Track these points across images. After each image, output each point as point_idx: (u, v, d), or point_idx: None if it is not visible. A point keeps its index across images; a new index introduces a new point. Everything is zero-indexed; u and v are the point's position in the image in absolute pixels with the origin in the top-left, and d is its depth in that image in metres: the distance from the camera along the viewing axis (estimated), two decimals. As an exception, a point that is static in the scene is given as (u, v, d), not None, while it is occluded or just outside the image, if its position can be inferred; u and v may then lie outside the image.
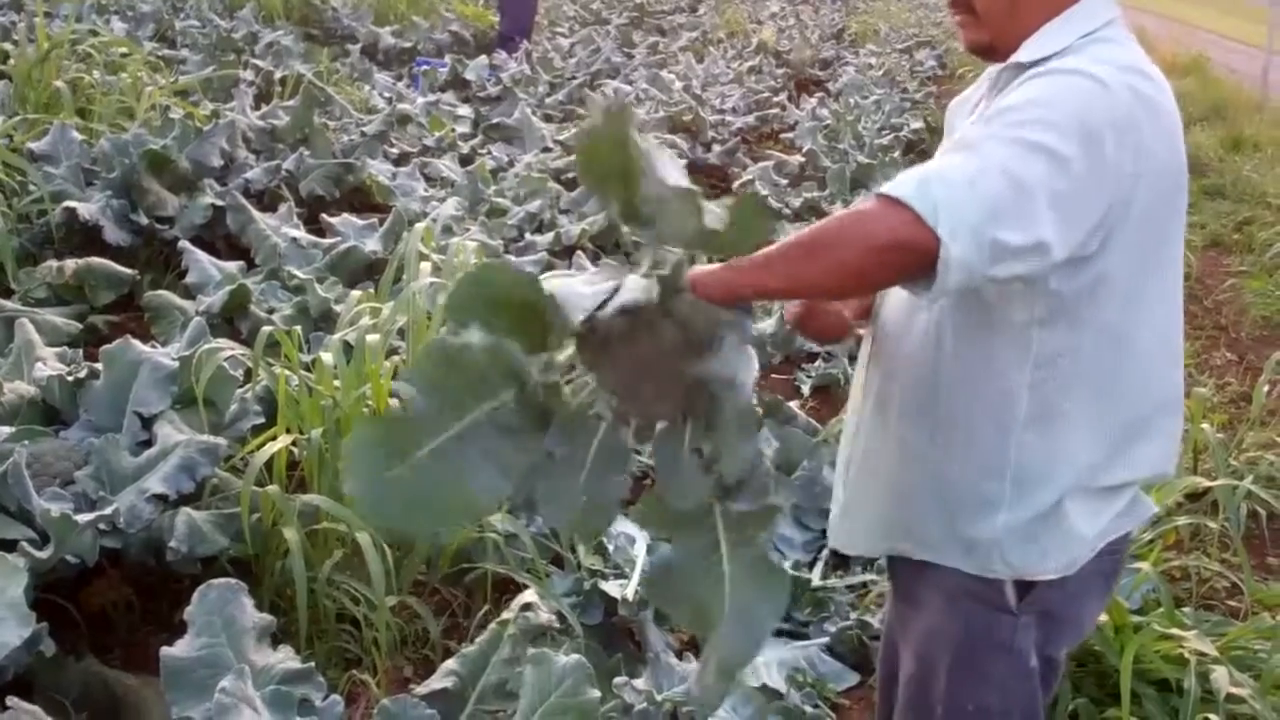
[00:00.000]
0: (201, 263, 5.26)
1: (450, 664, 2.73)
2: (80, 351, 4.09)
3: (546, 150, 8.77)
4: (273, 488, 3.46)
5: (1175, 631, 3.31)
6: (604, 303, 1.54)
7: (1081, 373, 2.00)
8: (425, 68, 11.20)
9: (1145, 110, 1.92)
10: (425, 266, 4.39)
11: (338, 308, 4.71)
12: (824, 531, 4.19)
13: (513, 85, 10.71)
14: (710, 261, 1.68)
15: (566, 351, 1.60)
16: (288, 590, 3.40)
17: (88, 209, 5.47)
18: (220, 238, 5.91)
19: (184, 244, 5.38)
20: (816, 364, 5.93)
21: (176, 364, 3.64)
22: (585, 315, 1.51)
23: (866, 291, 2.06)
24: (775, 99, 12.38)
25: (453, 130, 9.02)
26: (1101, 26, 2.01)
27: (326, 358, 3.78)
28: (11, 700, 2.30)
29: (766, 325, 5.95)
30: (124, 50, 8.40)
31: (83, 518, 3.04)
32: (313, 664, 2.63)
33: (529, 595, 2.85)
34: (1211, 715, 3.07)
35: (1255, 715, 3.11)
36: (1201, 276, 8.12)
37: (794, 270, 1.72)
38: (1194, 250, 8.28)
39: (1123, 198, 1.88)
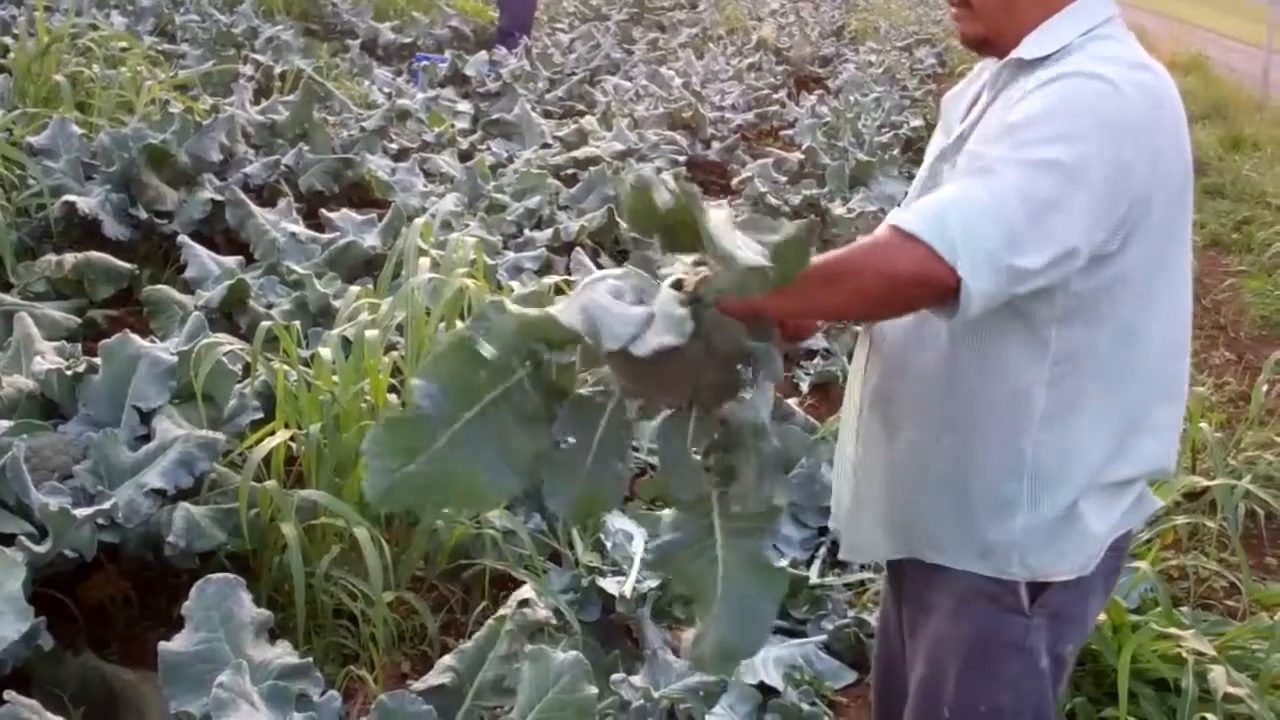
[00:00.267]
0: (200, 257, 5.26)
1: (448, 660, 2.73)
2: (79, 346, 4.09)
3: (546, 146, 8.76)
4: (271, 483, 3.46)
5: (1173, 631, 3.31)
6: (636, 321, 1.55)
7: (1096, 369, 2.00)
8: (425, 63, 11.19)
9: (1157, 108, 1.93)
10: (424, 262, 4.39)
11: (336, 303, 4.71)
12: (821, 529, 4.21)
13: (512, 81, 10.70)
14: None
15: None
16: (286, 585, 3.40)
17: (87, 203, 5.47)
18: (219, 233, 5.90)
19: (183, 239, 5.38)
20: (815, 361, 5.93)
21: (175, 359, 3.64)
22: (619, 345, 1.51)
23: (885, 319, 2.06)
24: (775, 96, 12.38)
25: (452, 126, 9.01)
26: (1101, 23, 2.01)
27: (325, 353, 3.78)
28: (9, 694, 2.30)
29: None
30: (124, 45, 8.40)
31: (81, 512, 3.04)
32: (310, 659, 2.63)
33: (526, 591, 2.84)
34: (1209, 715, 3.07)
35: (1253, 715, 3.11)
36: (1201, 276, 8.11)
37: (815, 296, 1.78)
38: (1193, 249, 8.25)
39: (1142, 196, 1.88)
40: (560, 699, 2.50)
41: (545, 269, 5.99)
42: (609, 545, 3.86)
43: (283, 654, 2.59)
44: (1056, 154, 1.81)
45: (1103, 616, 3.28)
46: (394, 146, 8.16)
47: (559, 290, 4.71)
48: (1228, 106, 13.82)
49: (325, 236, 5.79)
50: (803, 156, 9.55)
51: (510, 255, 6.09)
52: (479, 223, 6.46)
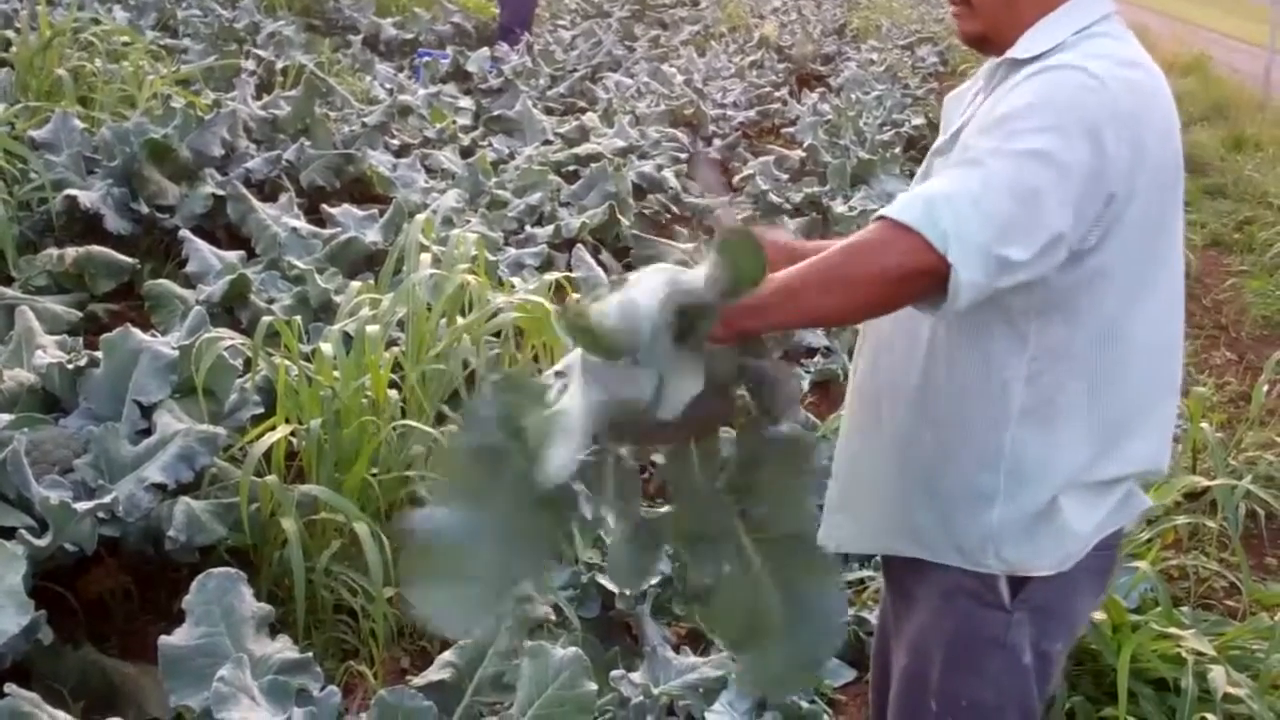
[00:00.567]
0: (202, 252, 5.25)
1: (447, 655, 2.73)
2: (80, 339, 4.09)
3: (547, 143, 8.75)
4: (271, 478, 3.46)
5: (1173, 631, 3.31)
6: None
7: (1077, 366, 2.00)
8: (427, 59, 11.18)
9: (1142, 103, 1.93)
10: (425, 258, 4.39)
11: (338, 298, 4.70)
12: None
13: (514, 77, 10.69)
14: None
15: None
16: (286, 580, 3.41)
17: (89, 197, 5.46)
18: (221, 227, 5.90)
19: (184, 233, 5.37)
20: (815, 359, 5.93)
21: (176, 353, 3.63)
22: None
23: (880, 316, 2.06)
24: (776, 94, 12.37)
25: (454, 122, 9.00)
26: (1097, 21, 2.01)
27: (326, 348, 3.78)
28: (9, 688, 2.30)
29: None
30: (126, 39, 8.39)
31: (81, 506, 3.04)
32: (311, 654, 2.63)
33: (525, 586, 2.84)
34: (1209, 715, 3.07)
35: (1252, 715, 3.12)
36: (1201, 276, 8.12)
37: (812, 304, 1.81)
38: (1194, 249, 8.29)
39: (1123, 191, 1.88)
40: (560, 695, 2.50)
41: (546, 265, 5.98)
42: (609, 542, 3.85)
43: (283, 649, 2.60)
44: (1042, 144, 1.82)
45: (1102, 616, 3.28)
46: (395, 142, 8.15)
47: (559, 287, 4.72)
48: (1230, 107, 13.84)
49: (326, 232, 5.78)
50: (804, 154, 9.56)
51: (511, 252, 6.09)
52: (480, 219, 6.45)
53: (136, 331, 3.69)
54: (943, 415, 2.08)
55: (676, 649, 3.49)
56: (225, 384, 3.74)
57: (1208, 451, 4.74)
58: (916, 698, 2.23)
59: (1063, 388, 2.01)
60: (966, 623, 2.14)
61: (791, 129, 10.92)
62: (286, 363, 3.73)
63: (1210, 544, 4.43)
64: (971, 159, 1.87)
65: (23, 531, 2.95)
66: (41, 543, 2.94)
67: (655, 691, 3.05)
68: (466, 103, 9.88)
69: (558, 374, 1.68)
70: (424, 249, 4.58)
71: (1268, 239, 8.70)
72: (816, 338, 5.96)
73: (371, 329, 3.84)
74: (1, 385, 3.58)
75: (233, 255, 5.33)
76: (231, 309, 4.89)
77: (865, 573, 4.02)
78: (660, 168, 8.34)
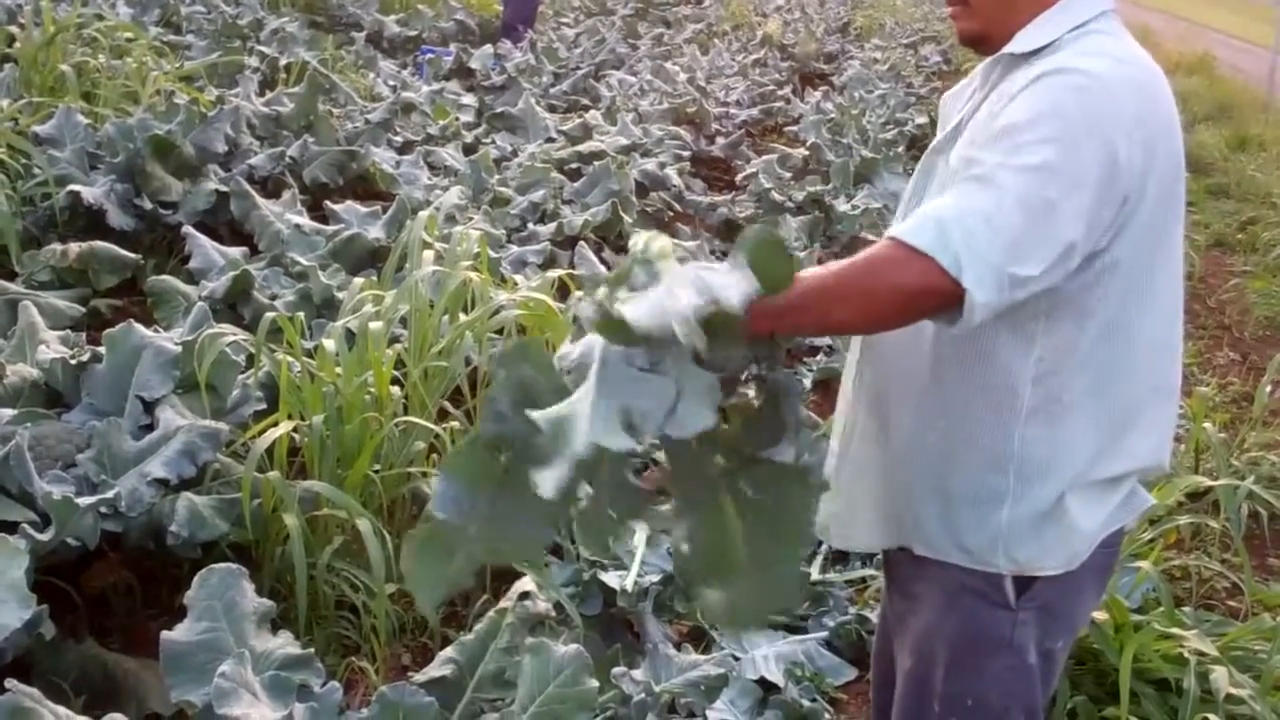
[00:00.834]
0: (205, 248, 5.25)
1: (448, 652, 2.73)
2: (83, 335, 4.10)
3: (550, 140, 8.76)
4: (274, 473, 3.46)
5: (1175, 631, 3.31)
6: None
7: (1083, 364, 2.00)
8: (430, 56, 11.18)
9: (1148, 103, 1.93)
10: (428, 255, 4.39)
11: (340, 295, 4.71)
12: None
13: (517, 75, 10.69)
14: None
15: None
16: (288, 576, 3.41)
17: (92, 193, 5.47)
18: (224, 223, 5.90)
19: (187, 229, 5.38)
20: (818, 358, 5.93)
21: (179, 349, 3.63)
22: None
23: (892, 329, 2.07)
24: (780, 92, 12.37)
25: (457, 119, 9.00)
26: (1094, 18, 2.01)
27: (329, 344, 3.78)
28: (10, 682, 2.30)
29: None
30: (129, 35, 8.39)
31: (84, 501, 3.04)
32: (312, 650, 2.63)
33: (526, 583, 2.84)
34: (1211, 715, 3.07)
35: (1255, 716, 3.11)
36: (1205, 276, 8.12)
37: (826, 313, 1.84)
38: (1198, 250, 8.29)
39: (1135, 193, 1.89)
40: (561, 692, 2.50)
41: (549, 263, 5.99)
42: (610, 540, 3.86)
43: (284, 644, 2.59)
44: (1050, 157, 1.82)
45: (1104, 616, 3.28)
46: (399, 139, 8.15)
47: (561, 284, 4.72)
48: (1233, 107, 13.83)
49: (329, 228, 5.79)
50: (807, 153, 9.55)
51: (514, 249, 6.09)
52: (483, 216, 6.46)
53: (139, 327, 3.69)
54: (950, 417, 2.08)
55: (678, 646, 3.49)
56: (228, 380, 3.74)
57: (1210, 452, 4.73)
58: (921, 699, 2.22)
59: (1069, 385, 2.01)
60: (972, 623, 2.14)
61: (794, 127, 10.92)
62: (289, 359, 3.73)
63: (1213, 544, 4.42)
64: (980, 175, 1.86)
65: (25, 526, 2.95)
66: (44, 537, 2.94)
67: (657, 689, 3.06)
68: (469, 100, 9.89)
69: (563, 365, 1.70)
70: (427, 246, 4.58)
71: (1271, 239, 8.70)
72: (819, 337, 5.96)
73: (374, 325, 3.84)
74: (5, 380, 3.58)
75: (236, 251, 5.33)
76: (234, 305, 4.90)
77: (867, 571, 4.02)
78: (663, 166, 8.34)
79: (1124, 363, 2.01)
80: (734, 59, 13.88)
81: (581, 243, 6.21)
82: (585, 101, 10.63)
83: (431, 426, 3.79)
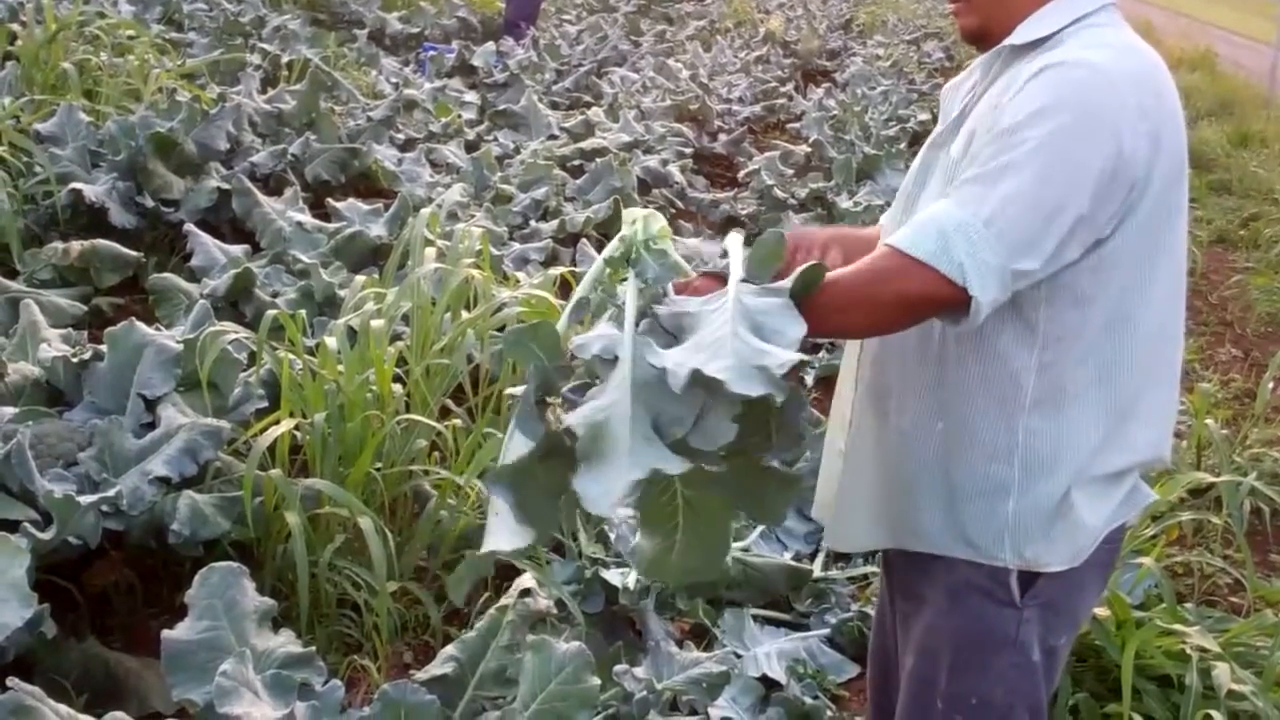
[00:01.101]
0: (206, 246, 5.26)
1: (450, 650, 2.73)
2: (85, 333, 4.10)
3: (552, 137, 8.76)
4: (275, 471, 3.46)
5: (1177, 627, 3.31)
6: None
7: (1086, 353, 2.00)
8: (432, 53, 11.17)
9: (1151, 94, 1.93)
10: (430, 252, 4.39)
11: (342, 292, 4.71)
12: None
13: (519, 72, 10.69)
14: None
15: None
16: (289, 575, 3.41)
17: (94, 191, 5.47)
18: (225, 221, 5.90)
19: (189, 227, 5.38)
20: (820, 355, 5.92)
21: (181, 347, 3.64)
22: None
23: (894, 333, 2.09)
24: (782, 89, 12.36)
25: (459, 116, 9.00)
26: (1094, 11, 2.01)
27: (330, 342, 3.77)
28: (12, 681, 2.30)
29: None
30: (131, 32, 8.39)
31: (85, 499, 3.04)
32: (313, 649, 2.63)
33: (527, 580, 2.84)
34: (1213, 711, 3.06)
35: (1256, 712, 3.11)
36: (1207, 272, 8.11)
37: (829, 320, 1.85)
38: (1200, 246, 8.27)
39: (1141, 181, 1.89)
40: (563, 689, 2.50)
41: (551, 260, 5.99)
42: (612, 537, 3.86)
43: (286, 643, 2.59)
44: (1052, 152, 1.84)
45: (1106, 612, 3.27)
46: (401, 137, 8.15)
47: (563, 282, 4.72)
48: (1235, 103, 13.80)
49: (331, 226, 5.79)
50: (809, 150, 9.55)
51: (516, 246, 6.09)
52: (485, 213, 6.46)
53: (141, 325, 3.69)
54: (954, 409, 2.08)
55: (680, 644, 3.50)
56: (229, 378, 3.74)
57: (1212, 448, 4.73)
58: (925, 698, 2.22)
59: (1072, 375, 2.01)
60: (976, 621, 2.14)
61: (797, 124, 10.92)
62: (291, 357, 3.73)
63: (1215, 540, 4.42)
64: (981, 175, 1.88)
65: (26, 525, 2.95)
66: (45, 536, 2.95)
67: (659, 686, 3.06)
68: (472, 97, 9.88)
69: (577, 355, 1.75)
70: (429, 243, 4.58)
71: (1273, 235, 8.69)
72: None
73: (376, 323, 3.84)
74: (6, 379, 3.58)
75: (237, 249, 5.33)
76: (236, 303, 4.90)
77: (869, 568, 4.02)
78: (665, 163, 8.34)
79: (1126, 352, 2.01)
80: (736, 56, 13.87)
81: (584, 240, 6.21)
82: (587, 98, 10.62)
83: (433, 424, 3.79)
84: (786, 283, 1.76)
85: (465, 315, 4.21)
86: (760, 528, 4.10)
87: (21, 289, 4.65)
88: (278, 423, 3.55)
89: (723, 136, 10.11)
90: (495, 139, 8.60)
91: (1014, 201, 1.83)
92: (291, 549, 3.34)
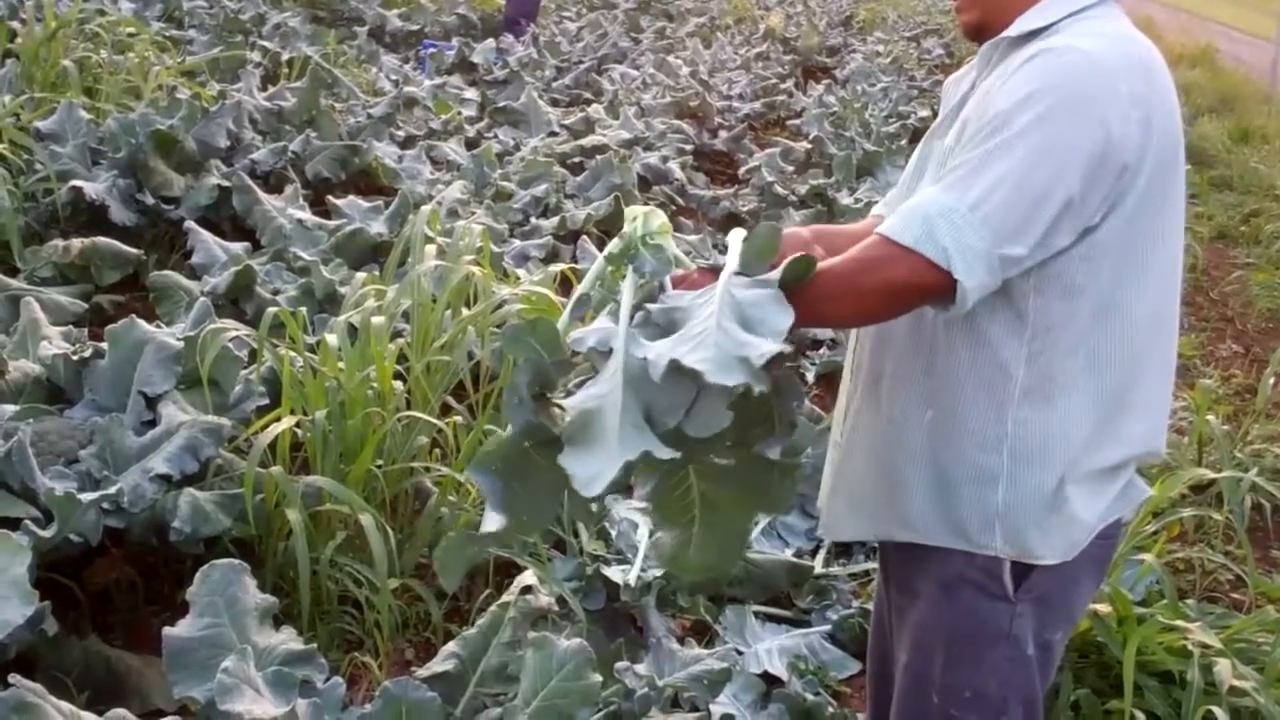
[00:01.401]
0: (207, 243, 5.26)
1: (451, 647, 2.73)
2: (85, 331, 4.10)
3: (553, 134, 8.76)
4: (276, 469, 3.46)
5: (1178, 623, 3.31)
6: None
7: (1076, 343, 2.00)
8: (432, 50, 11.17)
9: (1144, 80, 1.93)
10: (430, 249, 4.39)
11: (343, 290, 4.71)
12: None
13: (519, 69, 10.69)
14: None
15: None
16: (290, 572, 3.41)
17: (94, 188, 5.47)
18: (226, 219, 5.90)
19: (190, 224, 5.38)
20: (821, 351, 5.92)
21: (181, 344, 3.63)
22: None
23: (888, 320, 2.09)
24: (782, 86, 12.35)
25: (459, 113, 8.99)
26: (1093, 4, 2.01)
27: (331, 339, 3.77)
28: (13, 678, 2.30)
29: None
30: (131, 30, 8.39)
31: (86, 497, 3.04)
32: (315, 646, 2.63)
33: (528, 577, 2.84)
34: (1214, 707, 3.06)
35: (1258, 708, 3.11)
36: (1208, 268, 8.10)
37: (818, 309, 1.85)
38: (1200, 242, 8.27)
39: (1131, 167, 1.89)
40: (564, 686, 2.50)
41: (551, 257, 5.99)
42: (614, 534, 3.86)
43: (287, 640, 2.60)
44: (1040, 136, 1.84)
45: (1107, 608, 3.27)
46: (401, 134, 8.15)
47: (564, 279, 4.72)
48: (1236, 99, 13.78)
49: (332, 223, 5.79)
50: (810, 146, 9.55)
51: (516, 243, 6.09)
52: (485, 210, 6.46)
53: (141, 323, 3.69)
54: (944, 397, 2.08)
55: (681, 641, 3.50)
56: (230, 375, 3.74)
57: (1213, 444, 4.73)
58: (920, 691, 2.22)
59: (1062, 365, 2.00)
60: (970, 615, 2.14)
61: (797, 121, 10.90)
62: (291, 354, 3.73)
63: (1216, 537, 4.42)
64: (969, 160, 1.89)
65: (28, 522, 2.95)
66: (46, 534, 2.95)
67: (660, 683, 3.05)
68: (472, 94, 9.88)
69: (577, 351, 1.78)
70: (429, 240, 4.58)
71: (1274, 231, 8.68)
72: (823, 330, 5.95)
73: (376, 320, 3.84)
74: (7, 376, 3.58)
75: (238, 247, 5.33)
76: (236, 300, 4.90)
77: (870, 565, 4.02)
78: (665, 159, 8.34)
79: (1118, 341, 2.01)
80: (736, 53, 13.86)
81: (584, 237, 6.21)
82: (587, 95, 10.62)
83: (434, 421, 3.79)
84: (775, 274, 1.76)
85: (466, 312, 4.21)
86: (762, 525, 4.10)
87: (22, 286, 4.64)
88: (278, 420, 3.55)
89: (723, 133, 10.10)
90: (495, 136, 8.60)
91: (1000, 186, 1.83)
92: (293, 546, 3.34)
